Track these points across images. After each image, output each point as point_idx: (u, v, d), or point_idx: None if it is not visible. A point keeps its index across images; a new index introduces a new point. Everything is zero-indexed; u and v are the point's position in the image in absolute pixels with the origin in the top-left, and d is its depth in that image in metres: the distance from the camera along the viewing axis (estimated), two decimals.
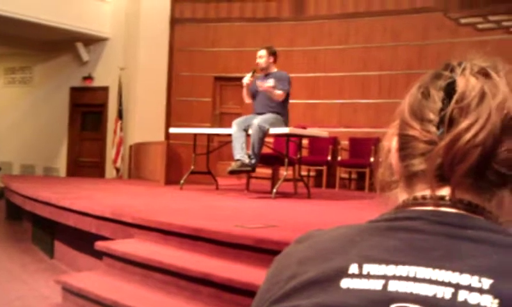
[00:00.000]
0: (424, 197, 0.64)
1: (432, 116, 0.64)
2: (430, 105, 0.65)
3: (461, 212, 0.62)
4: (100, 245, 3.78)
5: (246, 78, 6.22)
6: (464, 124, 0.61)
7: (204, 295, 3.03)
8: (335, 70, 9.85)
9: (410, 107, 0.67)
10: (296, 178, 6.61)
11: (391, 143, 0.71)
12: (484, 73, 0.64)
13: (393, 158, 0.70)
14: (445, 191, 0.63)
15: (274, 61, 6.28)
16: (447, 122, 0.62)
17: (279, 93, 5.96)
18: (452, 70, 0.66)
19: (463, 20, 8.72)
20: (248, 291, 2.74)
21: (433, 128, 0.64)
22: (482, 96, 0.62)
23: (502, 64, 0.67)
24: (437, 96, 0.65)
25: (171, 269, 3.21)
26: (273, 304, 0.62)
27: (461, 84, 0.63)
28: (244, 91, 6.32)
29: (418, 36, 9.08)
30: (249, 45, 9.98)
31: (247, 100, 6.36)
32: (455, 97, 0.62)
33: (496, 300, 0.53)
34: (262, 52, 6.28)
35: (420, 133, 0.65)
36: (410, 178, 0.67)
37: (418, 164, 0.65)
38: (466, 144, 0.60)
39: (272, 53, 6.28)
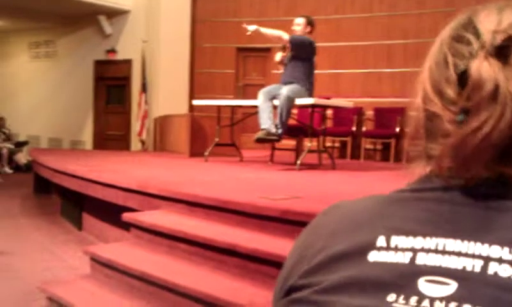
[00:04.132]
0: (449, 168, 0.60)
1: (450, 92, 0.59)
2: (448, 76, 0.60)
3: (490, 181, 0.58)
4: (127, 216, 3.83)
5: (278, 56, 6.16)
6: (475, 122, 0.55)
7: (230, 265, 3.06)
8: (359, 39, 9.71)
9: (431, 76, 0.62)
10: (321, 149, 6.58)
11: (417, 113, 0.65)
12: (507, 47, 0.57)
13: (419, 130, 0.64)
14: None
15: (310, 32, 6.17)
16: (461, 113, 0.57)
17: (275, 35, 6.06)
18: (475, 29, 0.60)
19: None
20: (273, 262, 2.76)
21: (453, 108, 0.58)
22: (496, 88, 0.55)
23: None
24: (453, 68, 0.59)
25: (197, 240, 3.24)
26: (302, 278, 0.62)
27: (473, 72, 0.56)
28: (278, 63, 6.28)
29: (444, 2, 8.87)
30: (271, 15, 9.88)
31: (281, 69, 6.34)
32: (467, 90, 0.57)
33: None
34: (300, 20, 6.16)
35: (441, 110, 0.59)
36: (432, 157, 0.62)
37: (437, 148, 0.60)
38: (477, 145, 0.55)
39: (310, 23, 6.17)
